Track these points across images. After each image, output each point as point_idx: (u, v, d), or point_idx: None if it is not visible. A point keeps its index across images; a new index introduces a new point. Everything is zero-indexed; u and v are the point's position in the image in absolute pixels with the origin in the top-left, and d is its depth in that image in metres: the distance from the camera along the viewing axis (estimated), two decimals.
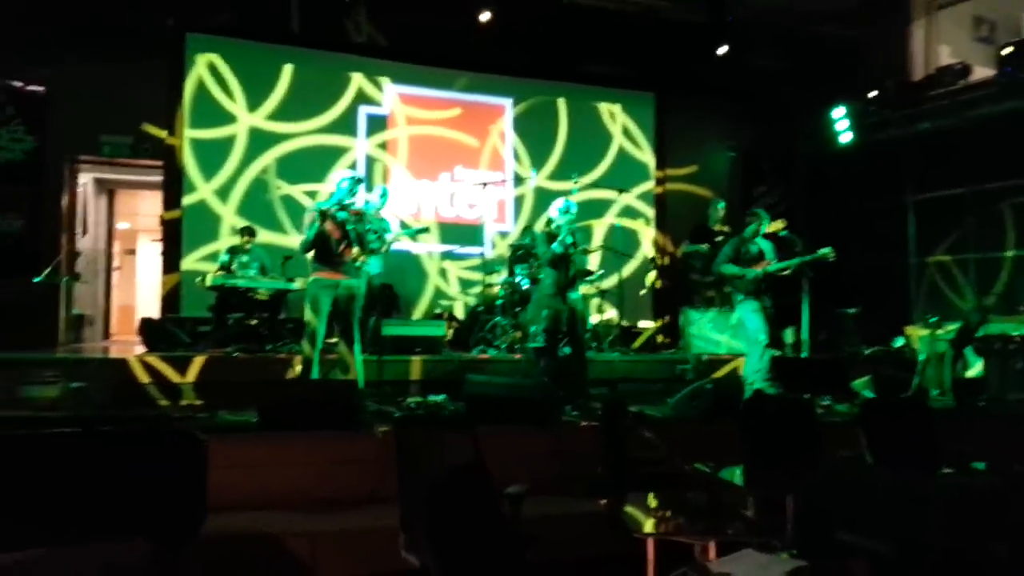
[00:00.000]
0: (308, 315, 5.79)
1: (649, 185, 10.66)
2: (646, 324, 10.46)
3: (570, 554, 4.10)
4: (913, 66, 10.22)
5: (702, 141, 11.12)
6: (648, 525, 2.94)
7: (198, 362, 6.42)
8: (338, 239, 5.79)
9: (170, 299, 8.61)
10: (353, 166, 9.22)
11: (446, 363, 7.12)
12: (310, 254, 5.82)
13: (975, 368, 8.07)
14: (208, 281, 7.22)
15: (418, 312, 9.53)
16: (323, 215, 5.68)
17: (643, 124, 10.66)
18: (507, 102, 10.06)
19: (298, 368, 6.48)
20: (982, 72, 9.52)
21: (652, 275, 9.07)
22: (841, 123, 10.44)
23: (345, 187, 5.86)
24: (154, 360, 6.34)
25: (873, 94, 10.05)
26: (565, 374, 6.55)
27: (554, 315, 6.48)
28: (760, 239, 7.39)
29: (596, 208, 10.13)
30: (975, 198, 9.36)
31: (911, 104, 9.69)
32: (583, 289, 6.94)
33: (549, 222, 6.76)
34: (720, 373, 7.96)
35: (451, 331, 8.36)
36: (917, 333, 9.51)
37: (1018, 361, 7.48)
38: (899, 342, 9.26)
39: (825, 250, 7.01)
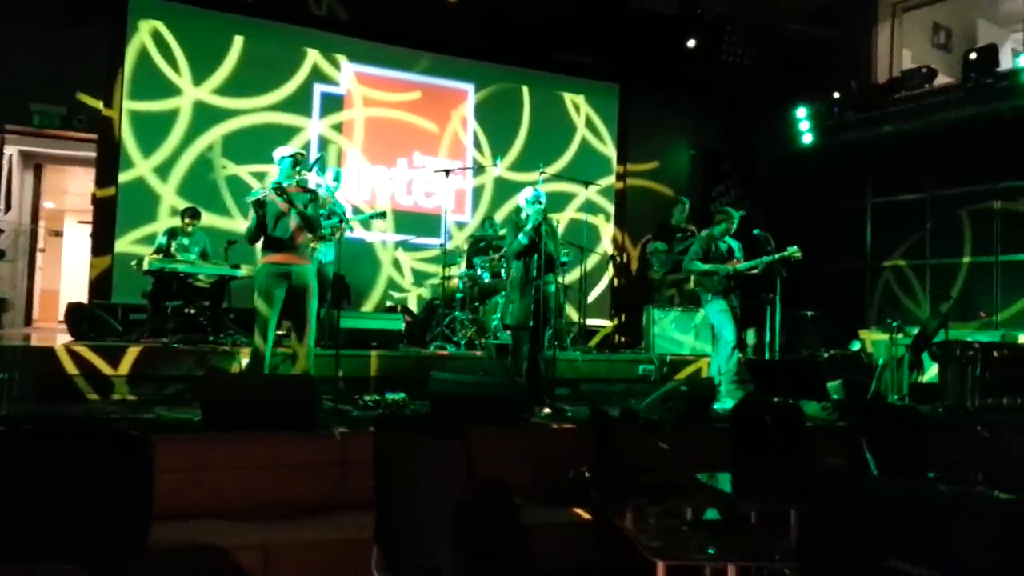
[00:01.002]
0: (259, 304, 5.34)
1: (610, 180, 10.41)
2: (602, 323, 10.25)
3: (553, 567, 3.78)
4: (876, 68, 10.22)
5: (664, 137, 10.94)
6: (656, 542, 2.63)
7: (132, 353, 5.88)
8: (288, 220, 5.36)
9: (100, 284, 7.98)
10: (306, 147, 8.70)
11: (403, 359, 6.73)
12: (259, 242, 5.37)
13: (929, 373, 8.08)
14: (146, 265, 6.66)
15: (369, 304, 9.10)
16: (259, 203, 5.23)
17: (606, 117, 10.42)
18: (469, 87, 9.68)
19: (244, 361, 6.02)
20: (941, 79, 9.57)
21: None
22: (803, 123, 10.40)
23: (286, 165, 5.42)
24: (83, 350, 5.77)
25: (836, 95, 10.01)
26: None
27: (524, 309, 6.16)
28: (729, 238, 7.23)
29: (557, 201, 9.79)
30: (935, 203, 9.40)
31: (874, 106, 9.68)
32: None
33: (518, 211, 6.43)
34: (683, 374, 7.76)
35: (404, 325, 7.95)
36: (872, 337, 9.54)
37: (977, 368, 7.48)
38: (855, 346, 9.25)
39: (792, 248, 6.90)
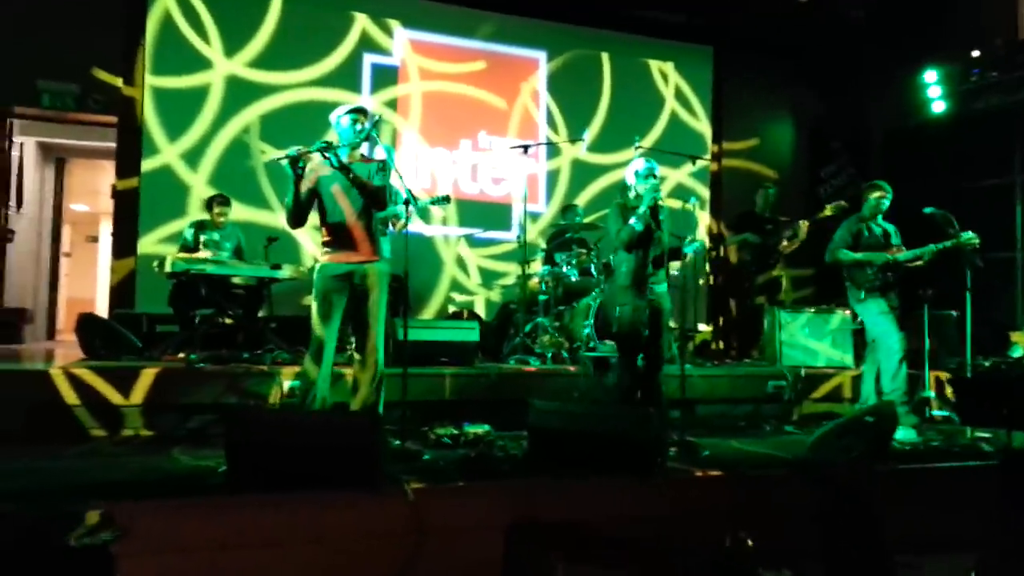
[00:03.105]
0: (315, 319, 4.07)
1: (704, 160, 8.96)
2: (702, 327, 8.81)
3: None
4: (1021, 22, 8.58)
5: (764, 110, 9.47)
6: None
7: (147, 376, 4.66)
8: (346, 199, 4.11)
9: (122, 291, 6.84)
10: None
11: (481, 378, 5.41)
12: (300, 224, 4.12)
13: None
14: (168, 266, 5.45)
15: (429, 310, 7.82)
16: (297, 164, 3.98)
17: (698, 87, 8.98)
18: (541, 55, 8.33)
19: (286, 384, 4.77)
20: None
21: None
22: (933, 89, 8.81)
23: (346, 124, 4.17)
24: (85, 373, 4.56)
25: (975, 54, 8.41)
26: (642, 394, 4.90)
27: (632, 315, 4.80)
28: (882, 219, 5.77)
29: None
30: None
31: None
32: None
33: (624, 189, 5.07)
34: (821, 390, 6.30)
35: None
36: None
37: None
38: (1017, 351, 7.65)
39: (968, 234, 5.43)
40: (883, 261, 5.50)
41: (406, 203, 4.21)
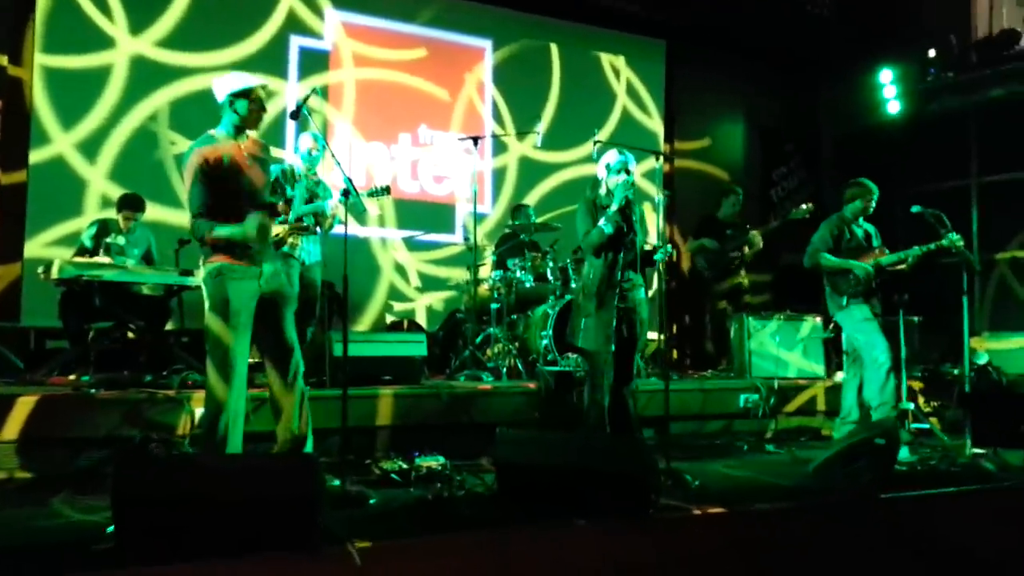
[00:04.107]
0: (216, 327, 3.32)
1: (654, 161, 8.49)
2: (651, 335, 8.30)
3: None
4: (975, 24, 8.42)
5: (717, 109, 9.06)
6: None
7: (24, 405, 3.81)
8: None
9: (5, 301, 5.87)
10: (280, 117, 6.68)
11: (430, 398, 4.72)
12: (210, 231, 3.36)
13: None
14: (55, 271, 4.59)
15: (365, 321, 7.09)
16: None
17: (651, 82, 8.51)
18: (486, 44, 7.71)
19: (198, 411, 3.99)
20: None
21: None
22: (888, 89, 8.58)
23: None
24: None
25: (931, 53, 8.20)
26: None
27: (604, 324, 4.22)
28: (864, 221, 5.37)
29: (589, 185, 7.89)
30: None
31: (984, 64, 7.86)
32: None
33: (595, 185, 4.49)
34: (794, 404, 5.86)
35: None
36: (987, 346, 7.72)
37: None
38: (981, 358, 7.39)
39: (953, 236, 5.07)
40: (865, 272, 5.08)
41: (345, 193, 3.50)
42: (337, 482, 3.43)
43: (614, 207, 4.21)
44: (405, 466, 3.80)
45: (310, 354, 4.71)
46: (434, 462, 3.84)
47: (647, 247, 4.52)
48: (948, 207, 8.31)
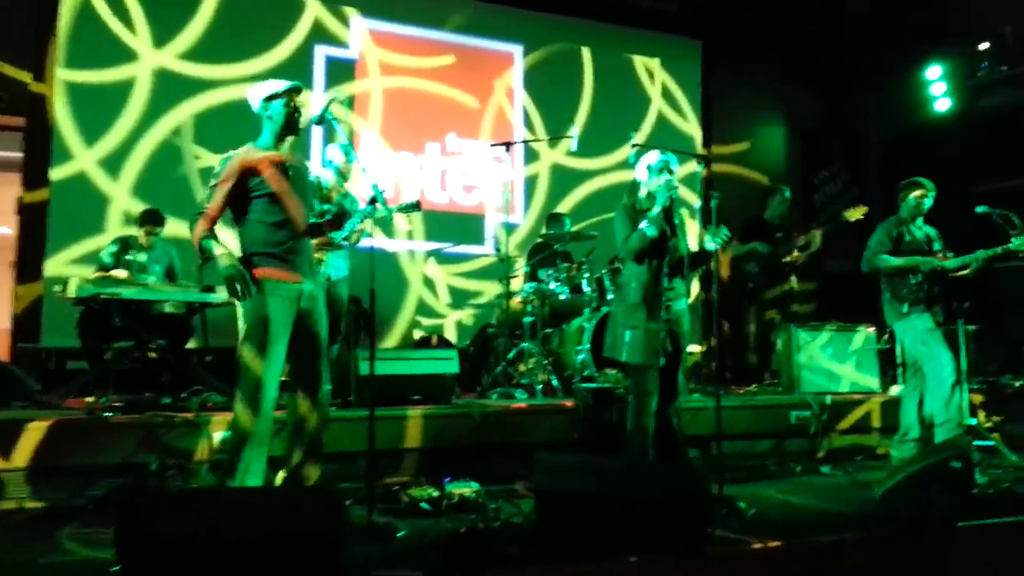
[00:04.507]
0: (248, 352, 3.10)
1: (693, 164, 8.19)
2: (693, 348, 7.96)
3: None
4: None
5: (755, 111, 8.73)
6: None
7: (35, 430, 3.63)
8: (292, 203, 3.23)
9: (27, 321, 5.75)
10: (307, 130, 6.50)
11: (462, 418, 4.46)
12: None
13: None
14: (73, 289, 4.43)
15: (392, 337, 6.86)
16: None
17: (687, 85, 8.22)
18: (517, 49, 7.48)
19: (216, 436, 3.78)
20: None
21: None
22: (937, 86, 8.18)
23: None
24: None
25: (984, 46, 7.79)
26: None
27: (646, 340, 3.93)
28: (923, 223, 5.02)
29: (625, 193, 7.60)
30: None
31: None
32: None
33: (634, 188, 4.22)
34: (848, 420, 5.49)
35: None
36: None
37: None
38: None
39: (1020, 240, 4.67)
40: (931, 268, 4.73)
41: (372, 201, 3.27)
42: (363, 512, 3.18)
43: (657, 208, 3.94)
44: (436, 493, 3.54)
45: (336, 373, 4.50)
46: (467, 488, 3.57)
47: (694, 249, 4.24)
48: (1006, 207, 7.93)
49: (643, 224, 3.94)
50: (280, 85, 3.33)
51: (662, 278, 4.06)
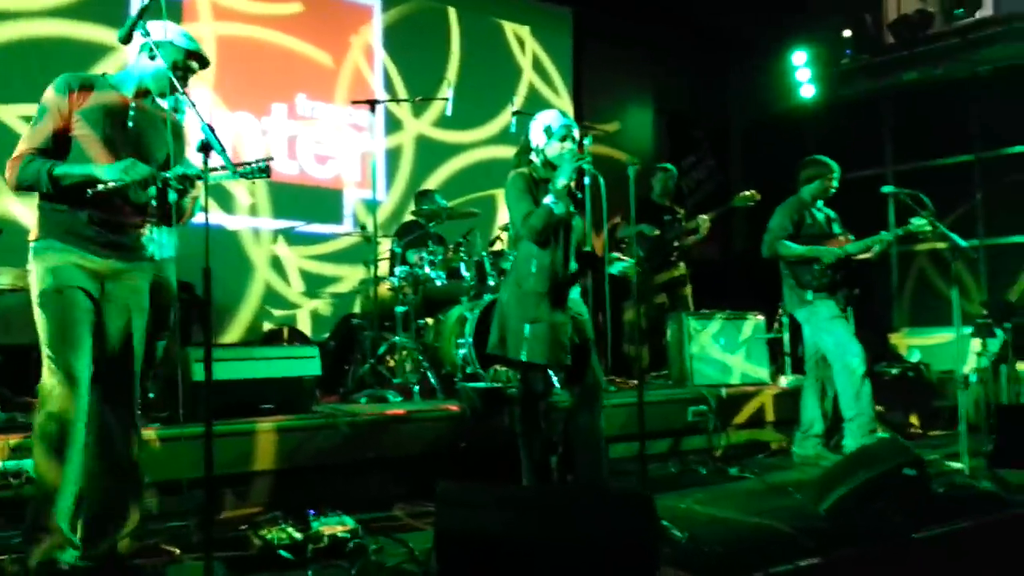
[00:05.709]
0: (49, 335, 2.38)
1: (606, 127, 7.75)
2: None
3: None
4: (886, 4, 8.10)
5: (626, 91, 8.36)
6: None
7: None
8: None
9: None
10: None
11: (327, 429, 3.64)
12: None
13: None
14: None
15: (235, 330, 5.86)
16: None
17: (558, 57, 7.68)
18: (374, 3, 6.62)
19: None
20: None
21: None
22: (802, 72, 8.15)
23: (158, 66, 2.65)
24: None
25: (847, 34, 7.80)
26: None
27: (552, 332, 3.34)
28: (823, 204, 4.75)
29: (500, 168, 6.98)
30: (984, 167, 7.42)
31: (903, 46, 7.53)
32: None
33: (524, 153, 3.58)
34: (743, 415, 5.16)
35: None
36: (908, 343, 7.41)
37: None
38: (914, 355, 7.02)
39: (919, 220, 4.49)
40: (834, 257, 4.44)
41: (204, 149, 2.41)
42: (195, 563, 2.34)
43: (563, 180, 3.31)
44: (298, 535, 2.72)
45: (161, 377, 3.56)
46: (338, 526, 2.79)
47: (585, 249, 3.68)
48: (862, 196, 8.00)
49: (548, 199, 3.32)
50: None
51: (568, 262, 3.48)
